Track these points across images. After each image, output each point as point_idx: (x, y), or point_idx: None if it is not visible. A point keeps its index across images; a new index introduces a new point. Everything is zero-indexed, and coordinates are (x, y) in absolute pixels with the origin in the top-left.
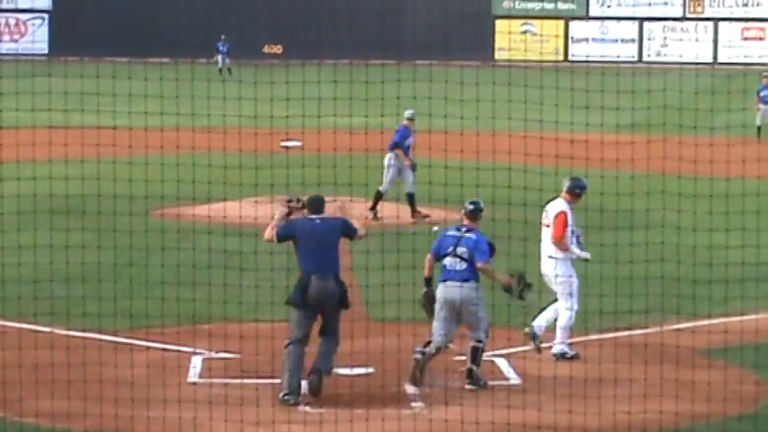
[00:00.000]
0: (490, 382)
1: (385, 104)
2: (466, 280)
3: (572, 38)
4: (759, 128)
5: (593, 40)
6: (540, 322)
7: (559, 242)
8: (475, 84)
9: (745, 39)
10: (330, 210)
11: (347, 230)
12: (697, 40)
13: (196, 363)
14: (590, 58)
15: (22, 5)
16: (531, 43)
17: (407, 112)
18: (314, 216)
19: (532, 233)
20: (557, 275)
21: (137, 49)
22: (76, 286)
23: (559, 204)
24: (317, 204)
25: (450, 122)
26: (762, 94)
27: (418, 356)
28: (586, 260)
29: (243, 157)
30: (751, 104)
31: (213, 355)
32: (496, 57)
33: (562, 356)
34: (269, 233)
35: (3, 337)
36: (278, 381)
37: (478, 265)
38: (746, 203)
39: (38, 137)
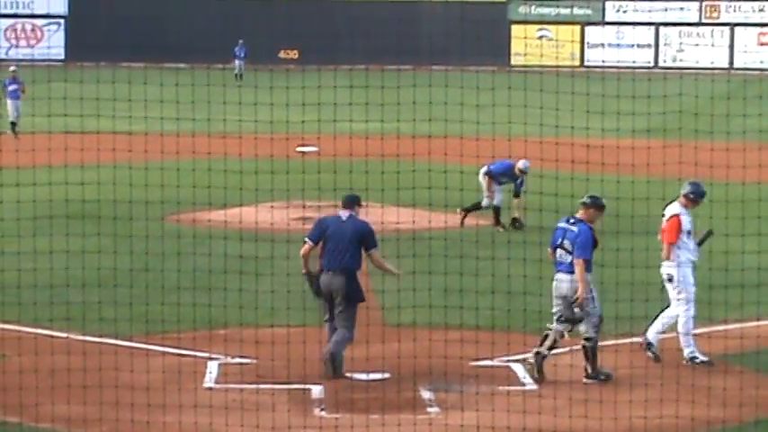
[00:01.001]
0: (507, 388)
1: (401, 110)
2: (571, 272)
3: (588, 43)
4: None
5: (609, 45)
6: (653, 331)
7: (667, 246)
8: (491, 89)
9: (762, 44)
10: None
11: (367, 241)
12: (713, 46)
13: (212, 368)
14: (606, 64)
15: (38, 11)
16: (546, 48)
17: (522, 164)
18: (343, 213)
19: (547, 238)
20: (672, 280)
21: (153, 54)
22: (92, 291)
23: (674, 208)
24: (350, 201)
25: (466, 128)
26: None
27: (533, 355)
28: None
29: (259, 162)
30: None
31: (229, 360)
32: (512, 62)
33: (692, 360)
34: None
35: (19, 342)
36: (293, 386)
37: (573, 260)
38: (762, 209)
39: (54, 142)
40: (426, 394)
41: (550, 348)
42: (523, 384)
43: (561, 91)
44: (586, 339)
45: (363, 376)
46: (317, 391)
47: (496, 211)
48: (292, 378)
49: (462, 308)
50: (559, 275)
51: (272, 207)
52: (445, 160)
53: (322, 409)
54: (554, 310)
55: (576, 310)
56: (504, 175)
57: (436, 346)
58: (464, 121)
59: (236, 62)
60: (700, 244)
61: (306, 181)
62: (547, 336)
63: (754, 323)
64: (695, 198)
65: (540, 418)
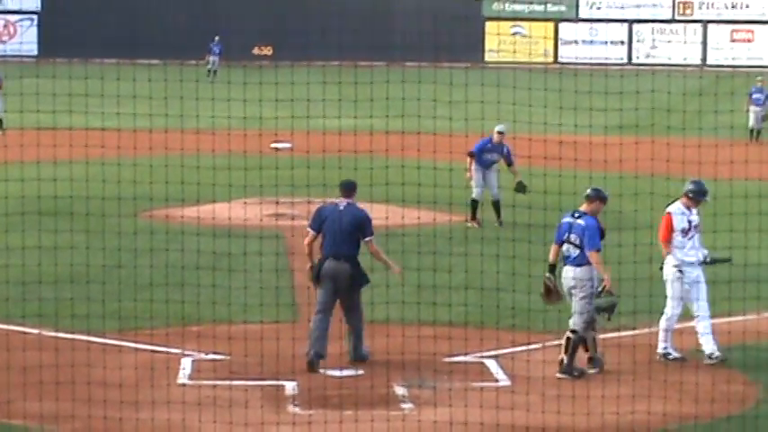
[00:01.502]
0: (480, 384)
1: (374, 106)
2: (579, 265)
3: (561, 40)
4: (752, 130)
5: (583, 42)
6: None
7: (662, 243)
8: (464, 85)
9: (734, 41)
10: None
11: (363, 229)
12: (685, 42)
13: (185, 364)
14: (579, 60)
15: (10, 7)
16: (520, 45)
17: (497, 128)
18: (341, 201)
19: (521, 234)
20: (664, 277)
21: (126, 50)
22: (65, 288)
23: (671, 206)
24: (346, 189)
25: (440, 124)
26: (754, 96)
27: (570, 335)
28: (705, 263)
29: (232, 158)
30: (742, 106)
31: (202, 356)
32: (486, 59)
33: (665, 357)
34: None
35: None
36: (267, 382)
37: (588, 253)
38: (734, 205)
39: (26, 138)
40: (400, 390)
41: (574, 350)
42: (497, 380)
43: (534, 87)
44: (572, 332)
45: (337, 372)
46: (290, 387)
47: (474, 205)
48: (266, 374)
49: (436, 304)
50: (566, 267)
51: (245, 203)
52: (418, 156)
53: (295, 406)
54: (569, 299)
55: (603, 296)
56: (485, 151)
57: (409, 342)
58: (437, 118)
59: (211, 58)
60: (711, 262)
61: (279, 177)
62: (567, 341)
63: (726, 319)
64: (694, 197)
65: (513, 414)
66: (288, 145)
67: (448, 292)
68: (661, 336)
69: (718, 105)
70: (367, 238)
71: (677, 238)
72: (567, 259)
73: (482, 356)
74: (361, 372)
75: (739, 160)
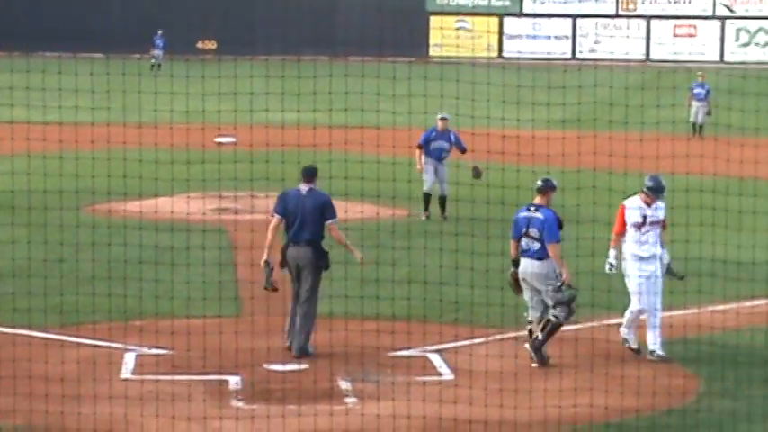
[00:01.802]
0: (423, 378)
1: (317, 100)
2: (540, 258)
3: (506, 34)
4: (694, 125)
5: (527, 36)
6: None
7: (612, 236)
8: (407, 79)
9: (677, 36)
10: None
11: (326, 211)
12: (628, 38)
13: (128, 359)
14: (523, 55)
15: None
16: (464, 40)
17: (437, 116)
18: (303, 187)
19: (464, 228)
20: (623, 271)
21: (68, 44)
22: (6, 282)
23: (628, 199)
24: (308, 174)
25: (383, 118)
26: (695, 91)
27: (552, 318)
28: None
29: (175, 152)
30: (684, 101)
31: (145, 351)
32: (431, 53)
33: (625, 342)
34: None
35: None
36: (210, 377)
37: (548, 246)
38: (675, 199)
39: None
40: (343, 384)
41: (550, 334)
42: (440, 374)
43: (478, 82)
44: (554, 317)
45: (280, 367)
46: (233, 381)
47: (426, 198)
48: (209, 369)
49: (379, 298)
50: (525, 261)
51: (188, 198)
52: (362, 151)
53: (239, 400)
54: (526, 296)
55: (564, 291)
56: (432, 140)
57: (353, 336)
58: (381, 112)
59: (155, 52)
60: (668, 272)
61: (222, 171)
62: (547, 322)
63: (667, 313)
64: (651, 193)
65: (456, 407)
66: (232, 139)
67: (391, 285)
68: (623, 324)
69: (660, 100)
70: (329, 221)
71: (630, 232)
72: (525, 253)
73: (425, 350)
74: (304, 366)
75: (681, 155)
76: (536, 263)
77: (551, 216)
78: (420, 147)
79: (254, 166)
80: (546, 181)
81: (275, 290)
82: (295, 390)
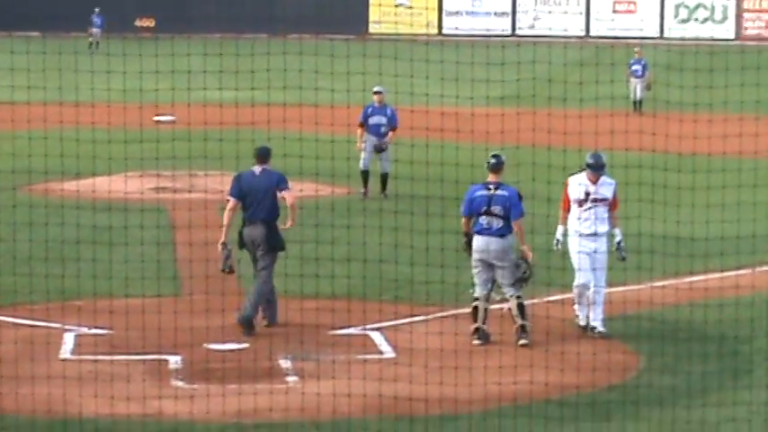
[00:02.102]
0: (364, 356)
1: (255, 78)
2: (502, 236)
3: (445, 11)
4: (634, 102)
5: (467, 13)
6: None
7: (562, 212)
8: (346, 57)
9: (616, 12)
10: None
11: (280, 183)
12: (567, 13)
13: (67, 339)
14: (463, 32)
15: None
16: (404, 17)
17: (374, 90)
18: (257, 168)
19: (404, 206)
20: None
21: (4, 23)
22: None
23: (573, 175)
24: (261, 155)
25: (321, 96)
26: (633, 68)
27: (519, 301)
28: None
29: (112, 131)
30: (623, 77)
31: (84, 331)
32: (371, 30)
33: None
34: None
35: None
36: (149, 357)
37: (514, 223)
38: (615, 175)
39: None
40: (284, 363)
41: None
42: (380, 353)
43: (416, 59)
44: (517, 297)
45: (220, 346)
46: (173, 361)
47: (363, 175)
48: (148, 348)
49: (319, 276)
50: (486, 239)
51: (125, 177)
52: (300, 129)
53: (179, 379)
54: (475, 273)
55: (522, 267)
56: (370, 116)
57: (293, 315)
58: (319, 89)
59: (93, 30)
60: (617, 251)
61: (160, 150)
62: (519, 306)
63: (607, 289)
64: (591, 170)
65: (396, 385)
66: (170, 118)
67: (331, 264)
68: (575, 300)
69: (599, 76)
70: (284, 192)
71: (573, 207)
72: (485, 231)
73: (365, 329)
74: (244, 345)
75: (620, 131)
76: (498, 240)
77: (515, 192)
78: (361, 125)
79: (192, 144)
80: (498, 157)
81: (232, 272)
82: (235, 369)
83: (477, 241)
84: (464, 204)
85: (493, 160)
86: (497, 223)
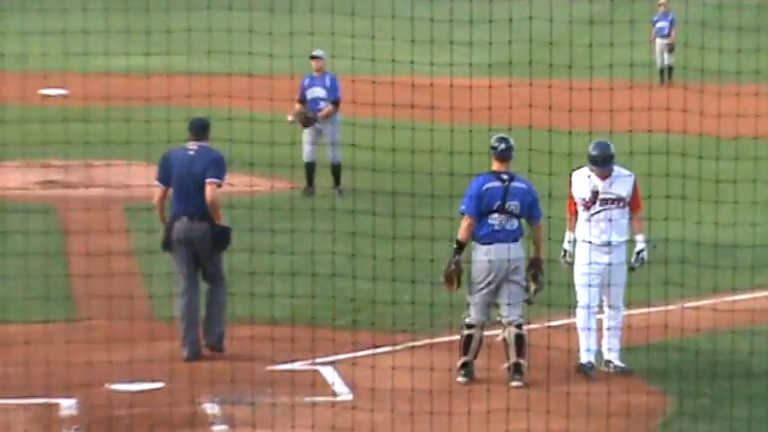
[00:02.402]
0: (312, 399)
1: (171, 40)
2: (516, 240)
3: None
4: (662, 70)
5: None
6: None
7: (569, 216)
8: (288, 12)
9: None
10: None
11: (209, 168)
12: None
13: None
14: None
15: None
16: None
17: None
18: (191, 145)
19: (363, 204)
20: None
21: None
22: None
23: (577, 171)
24: (197, 128)
25: (257, 63)
26: (658, 25)
27: (520, 332)
28: (633, 266)
29: None
30: (645, 38)
31: None
32: None
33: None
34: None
35: None
36: (34, 401)
37: (534, 227)
38: (635, 165)
39: None
40: (209, 408)
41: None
42: (334, 394)
43: (379, 15)
44: (517, 326)
45: (127, 386)
46: (66, 406)
47: (307, 168)
48: (33, 390)
49: (254, 296)
50: (503, 246)
51: (3, 167)
52: (230, 105)
53: (74, 430)
54: (479, 290)
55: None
56: (308, 88)
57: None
58: (254, 55)
59: None
60: (638, 255)
61: (48, 133)
62: (519, 338)
63: (625, 312)
64: (595, 164)
65: None
66: (61, 91)
67: (270, 279)
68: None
69: (614, 37)
70: (209, 179)
71: (579, 209)
72: (497, 233)
73: (314, 363)
74: (158, 384)
75: (641, 107)
76: (517, 246)
77: (533, 187)
78: (300, 101)
79: (89, 126)
80: (507, 141)
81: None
82: (146, 416)
83: (490, 251)
84: (469, 200)
85: (502, 145)
86: (511, 224)
